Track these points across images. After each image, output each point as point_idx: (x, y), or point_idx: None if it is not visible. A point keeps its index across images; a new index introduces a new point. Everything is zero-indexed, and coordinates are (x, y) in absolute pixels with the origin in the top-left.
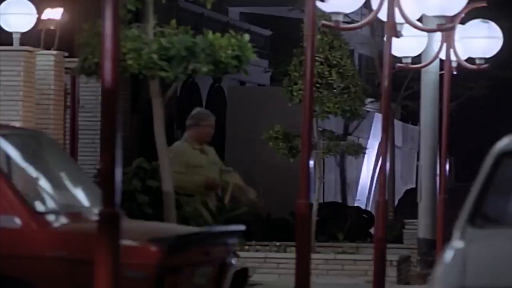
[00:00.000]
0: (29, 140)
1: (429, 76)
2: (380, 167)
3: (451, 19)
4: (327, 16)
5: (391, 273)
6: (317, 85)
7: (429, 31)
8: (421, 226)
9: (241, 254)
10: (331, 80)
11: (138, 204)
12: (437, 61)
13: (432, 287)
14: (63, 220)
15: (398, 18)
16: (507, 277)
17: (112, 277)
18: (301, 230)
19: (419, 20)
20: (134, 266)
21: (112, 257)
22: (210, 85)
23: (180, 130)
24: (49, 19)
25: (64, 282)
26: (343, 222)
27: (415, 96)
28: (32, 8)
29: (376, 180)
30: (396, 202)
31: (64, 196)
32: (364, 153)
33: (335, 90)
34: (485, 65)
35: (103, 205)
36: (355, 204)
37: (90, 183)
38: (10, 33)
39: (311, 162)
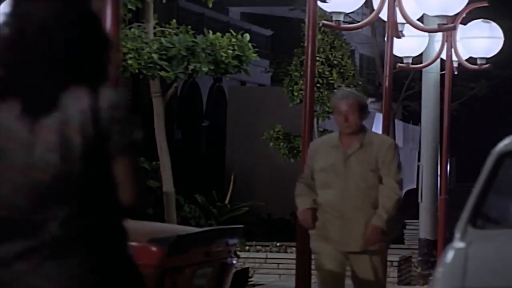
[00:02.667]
0: None
1: (430, 76)
2: None
3: (452, 19)
4: (328, 16)
5: (392, 273)
6: (318, 85)
7: (430, 31)
8: (422, 227)
9: (242, 254)
10: (331, 80)
11: None
12: (438, 61)
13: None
14: None
15: (399, 18)
16: (508, 278)
17: None
18: (301, 231)
19: (420, 20)
20: None
21: None
22: (211, 85)
23: (180, 130)
24: None
25: None
26: None
27: (416, 96)
28: None
29: None
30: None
31: None
32: None
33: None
34: (486, 65)
35: None
36: None
37: None
38: None
39: None
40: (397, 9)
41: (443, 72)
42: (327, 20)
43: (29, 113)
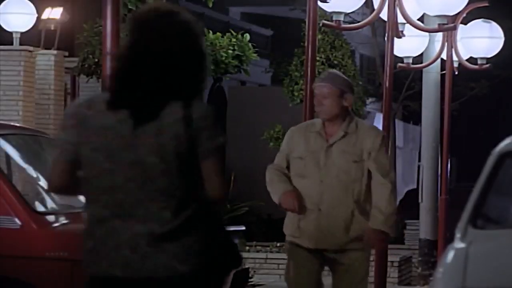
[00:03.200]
0: (29, 140)
1: (431, 76)
2: None
3: (453, 19)
4: (328, 16)
5: (392, 274)
6: None
7: (430, 31)
8: (422, 227)
9: (242, 255)
10: None
11: None
12: (438, 61)
13: None
14: (64, 220)
15: (400, 18)
16: (509, 278)
17: None
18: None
19: (421, 20)
20: None
21: None
22: (211, 85)
23: None
24: (49, 19)
25: (64, 283)
26: None
27: (417, 96)
28: (32, 8)
29: None
30: (397, 203)
31: (65, 197)
32: None
33: None
34: (487, 65)
35: None
36: None
37: None
38: (10, 33)
39: None
40: (398, 9)
41: (444, 72)
42: (327, 20)
43: (134, 120)
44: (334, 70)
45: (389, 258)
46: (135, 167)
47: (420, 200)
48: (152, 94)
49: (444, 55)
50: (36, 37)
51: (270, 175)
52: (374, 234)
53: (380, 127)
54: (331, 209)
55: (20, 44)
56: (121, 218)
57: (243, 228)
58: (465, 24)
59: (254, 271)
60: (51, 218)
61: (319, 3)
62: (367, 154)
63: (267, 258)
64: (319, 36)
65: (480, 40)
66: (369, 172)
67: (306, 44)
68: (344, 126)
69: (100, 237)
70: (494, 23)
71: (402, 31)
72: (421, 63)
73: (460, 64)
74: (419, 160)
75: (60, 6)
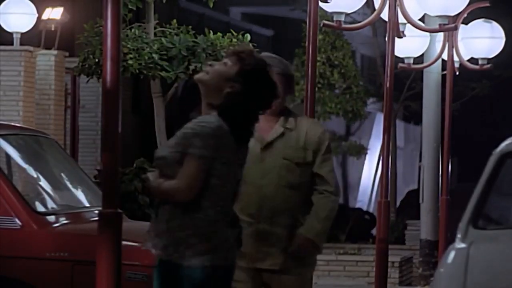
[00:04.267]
0: (29, 140)
1: (432, 77)
2: (382, 168)
3: (454, 19)
4: (329, 16)
5: (393, 274)
6: (319, 85)
7: (431, 31)
8: (423, 227)
9: None
10: (333, 80)
11: (139, 205)
12: (439, 62)
13: None
14: (64, 220)
15: (400, 18)
16: (509, 278)
17: (113, 278)
18: None
19: (421, 20)
20: (134, 267)
21: (113, 258)
22: None
23: None
24: (49, 19)
25: (65, 283)
26: (344, 223)
27: (417, 96)
28: (32, 8)
29: (378, 181)
30: (398, 203)
31: (65, 197)
32: (366, 153)
33: (337, 91)
34: (488, 65)
35: (103, 206)
36: (357, 205)
37: (90, 183)
38: (11, 33)
39: None
40: (398, 9)
41: (445, 72)
42: (328, 20)
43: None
44: (271, 55)
45: (390, 259)
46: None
47: (421, 201)
48: (254, 120)
49: (445, 55)
50: (36, 37)
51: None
52: (305, 242)
53: (381, 127)
54: (270, 222)
55: (21, 45)
56: None
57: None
58: (466, 24)
59: None
60: (51, 218)
61: (320, 3)
62: (311, 155)
63: None
64: (320, 37)
65: (481, 40)
66: (313, 176)
67: (306, 44)
68: (282, 121)
69: None
70: (495, 23)
71: (403, 31)
72: (422, 63)
73: (461, 64)
74: (420, 161)
75: (60, 6)
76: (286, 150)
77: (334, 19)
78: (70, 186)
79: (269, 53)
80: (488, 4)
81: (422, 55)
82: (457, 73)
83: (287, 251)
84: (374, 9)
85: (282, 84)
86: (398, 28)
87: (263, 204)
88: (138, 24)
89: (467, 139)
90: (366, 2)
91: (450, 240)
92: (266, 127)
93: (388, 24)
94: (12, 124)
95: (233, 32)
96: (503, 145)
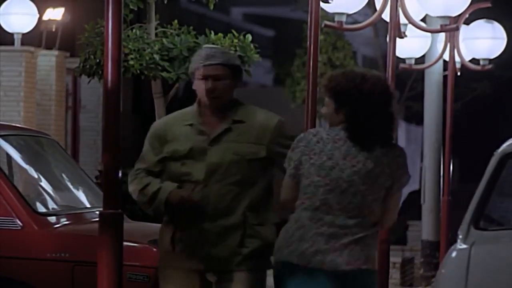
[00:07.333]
0: (30, 141)
1: (433, 77)
2: None
3: (455, 19)
4: (330, 16)
5: (394, 275)
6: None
7: (432, 31)
8: (424, 228)
9: None
10: None
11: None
12: (440, 62)
13: None
14: (64, 221)
15: (402, 19)
16: (510, 279)
17: (114, 279)
18: None
19: (423, 20)
20: (135, 268)
21: (114, 259)
22: None
23: None
24: (50, 19)
25: (65, 284)
26: None
27: (419, 97)
28: (33, 8)
29: None
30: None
31: (65, 197)
32: None
33: None
34: (489, 66)
35: (104, 206)
36: None
37: (91, 184)
38: (12, 34)
39: None
40: (400, 9)
41: (446, 73)
42: (329, 21)
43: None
44: (215, 46)
45: (391, 259)
46: (342, 184)
47: (422, 201)
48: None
49: (446, 56)
50: (37, 37)
51: (139, 180)
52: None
53: None
54: (217, 222)
55: (22, 45)
56: None
57: None
58: (468, 24)
59: None
60: (52, 219)
61: (321, 4)
62: (266, 150)
63: None
64: (321, 37)
65: (483, 41)
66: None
67: (308, 44)
68: (231, 114)
69: None
70: (496, 24)
71: (404, 32)
72: (423, 63)
73: (462, 65)
74: (421, 161)
75: (61, 6)
76: (234, 146)
77: (335, 19)
78: (71, 186)
79: (226, 48)
80: (489, 5)
81: (424, 55)
82: (459, 73)
83: (239, 247)
84: (375, 10)
85: (228, 75)
86: (399, 29)
87: (209, 204)
88: (139, 24)
89: (468, 139)
90: (367, 3)
91: (452, 241)
92: (213, 122)
93: (389, 25)
94: (13, 124)
95: (234, 33)
96: (504, 145)
